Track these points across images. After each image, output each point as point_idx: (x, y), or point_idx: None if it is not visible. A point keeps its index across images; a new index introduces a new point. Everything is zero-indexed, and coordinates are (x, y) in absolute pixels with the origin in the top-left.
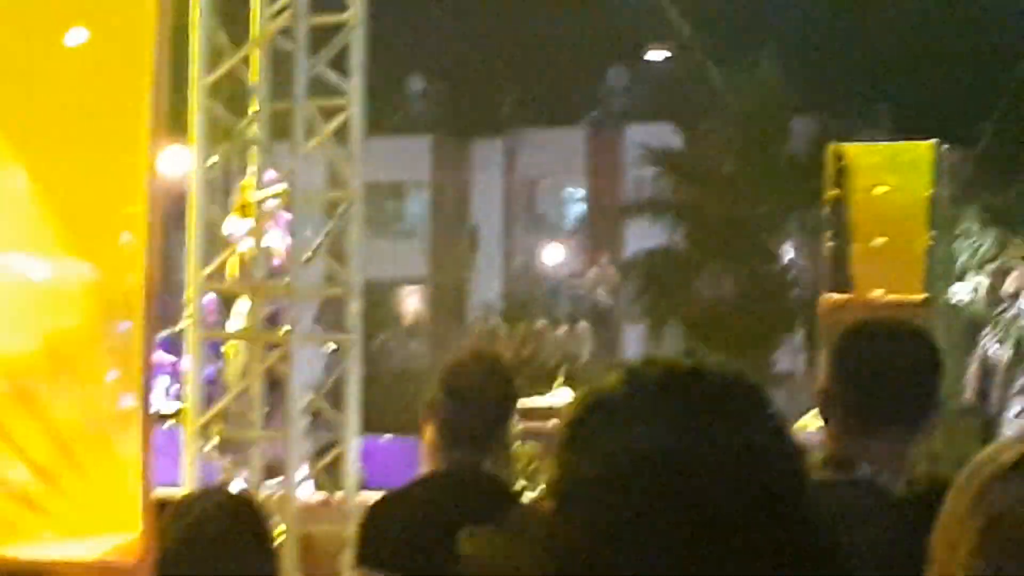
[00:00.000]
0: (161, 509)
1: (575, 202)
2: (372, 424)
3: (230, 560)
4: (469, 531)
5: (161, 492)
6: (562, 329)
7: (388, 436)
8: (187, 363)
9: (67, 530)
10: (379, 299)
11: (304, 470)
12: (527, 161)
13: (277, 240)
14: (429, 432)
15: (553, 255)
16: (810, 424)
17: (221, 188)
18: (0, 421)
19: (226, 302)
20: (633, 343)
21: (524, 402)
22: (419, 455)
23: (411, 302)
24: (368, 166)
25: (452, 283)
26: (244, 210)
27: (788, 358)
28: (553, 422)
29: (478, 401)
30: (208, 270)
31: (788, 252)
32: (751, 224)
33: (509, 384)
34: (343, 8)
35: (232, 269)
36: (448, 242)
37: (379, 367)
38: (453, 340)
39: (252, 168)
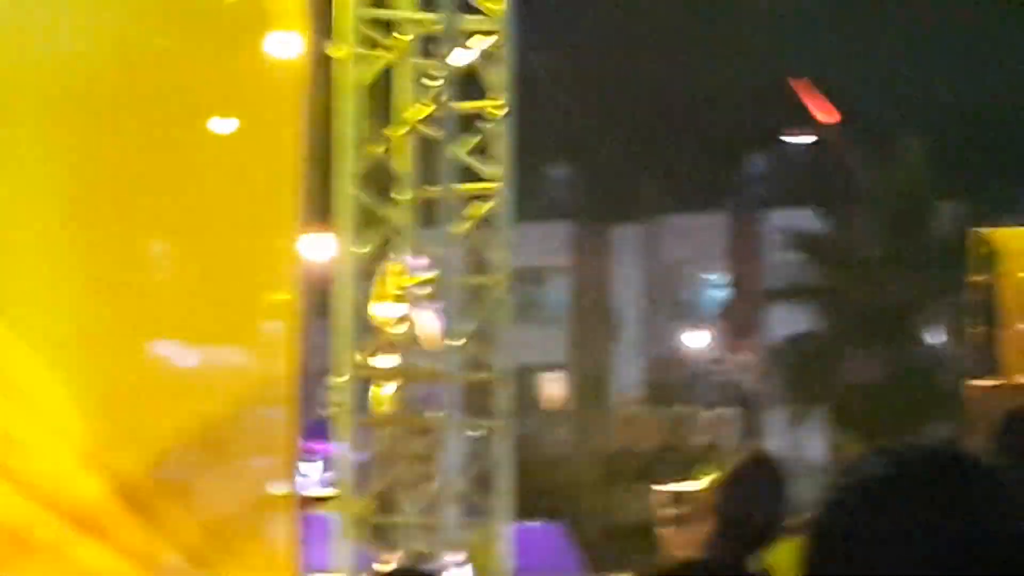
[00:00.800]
0: None
1: (716, 287)
2: (519, 510)
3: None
4: None
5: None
6: (706, 414)
7: (535, 522)
8: (336, 448)
9: None
10: (521, 384)
11: (459, 555)
12: (668, 246)
13: (428, 325)
14: (700, 524)
15: (695, 340)
16: None
17: (364, 274)
18: (154, 508)
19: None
20: (777, 428)
21: (671, 488)
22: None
23: (553, 387)
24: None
25: (593, 368)
26: (391, 295)
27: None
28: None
29: (759, 501)
30: (362, 355)
31: (933, 336)
32: (895, 308)
33: (786, 487)
34: (486, 96)
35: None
36: (589, 327)
37: (522, 452)
38: (595, 425)
39: (396, 254)
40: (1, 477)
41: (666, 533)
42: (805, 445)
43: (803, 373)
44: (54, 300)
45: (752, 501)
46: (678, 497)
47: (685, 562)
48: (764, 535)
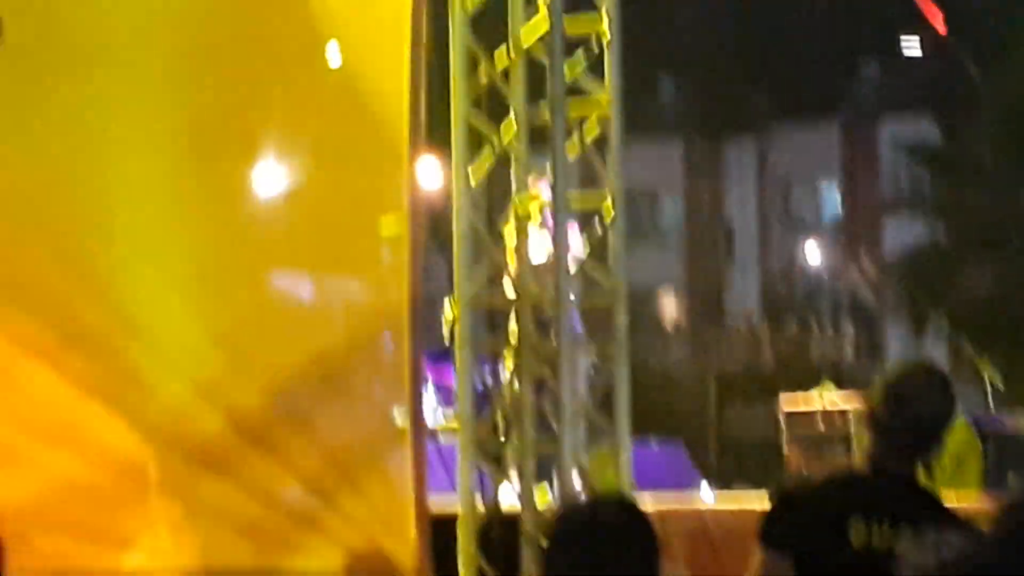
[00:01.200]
0: (435, 521)
1: (831, 199)
2: (636, 429)
3: (620, 559)
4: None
5: (435, 505)
6: (824, 330)
7: (653, 441)
8: (455, 376)
9: (344, 543)
10: (637, 305)
11: (579, 477)
12: (780, 160)
13: (541, 251)
14: (864, 440)
15: (810, 254)
16: None
17: (482, 200)
18: (273, 440)
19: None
20: (896, 341)
21: (790, 406)
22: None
23: (669, 307)
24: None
25: (709, 286)
26: (527, 219)
27: None
28: (819, 428)
29: (921, 412)
30: (478, 284)
31: None
32: (1013, 217)
33: (951, 397)
34: (593, 13)
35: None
36: (703, 246)
37: (640, 372)
38: (713, 343)
39: (516, 179)
40: (121, 414)
41: (790, 450)
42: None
43: (922, 285)
44: (174, 234)
45: (918, 409)
46: (801, 418)
47: (853, 471)
48: (929, 445)
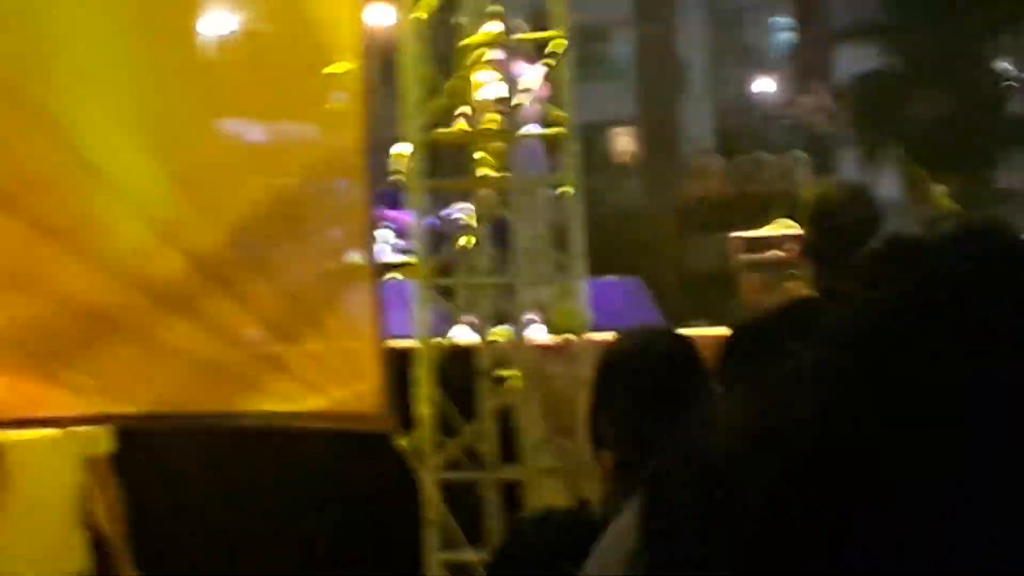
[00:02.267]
0: (393, 359)
1: (782, 31)
2: (593, 266)
3: (671, 380)
4: None
5: (393, 343)
6: (778, 159)
7: (611, 277)
8: (408, 215)
9: (306, 384)
10: (591, 142)
11: (534, 315)
12: None
13: (493, 88)
14: (806, 268)
15: (763, 86)
16: None
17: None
18: (233, 281)
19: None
20: (849, 169)
21: (743, 234)
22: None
23: (623, 143)
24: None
25: (662, 121)
26: (478, 62)
27: (1009, 175)
28: (772, 253)
29: (843, 223)
30: (422, 120)
31: (1003, 67)
32: (963, 41)
33: (873, 205)
34: None
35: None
36: (656, 80)
37: (596, 209)
38: (668, 178)
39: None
40: (84, 258)
41: (745, 280)
42: (878, 184)
43: (873, 112)
44: (123, 78)
45: (839, 220)
46: (755, 243)
47: (803, 298)
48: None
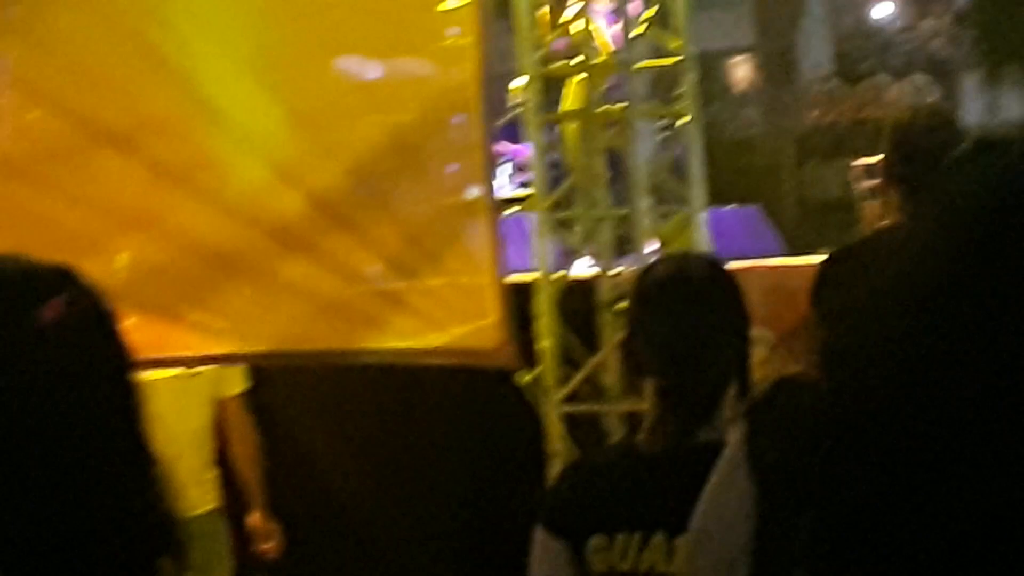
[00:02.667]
0: (514, 294)
1: None
2: (713, 195)
3: (706, 311)
4: None
5: (513, 278)
6: (899, 84)
7: (731, 206)
8: (527, 149)
9: (426, 320)
10: (709, 71)
11: (654, 245)
12: None
13: (602, 18)
14: (887, 195)
15: (882, 10)
16: None
17: None
18: (353, 219)
19: (556, 87)
20: (971, 92)
21: (864, 160)
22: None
23: (741, 72)
24: None
25: (781, 48)
26: None
27: None
28: None
29: (925, 149)
30: (539, 53)
31: None
32: None
33: (955, 131)
34: None
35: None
36: (774, 7)
37: (715, 139)
38: (787, 105)
39: None
40: (204, 199)
41: (867, 206)
42: (1001, 107)
43: (995, 34)
44: (244, 21)
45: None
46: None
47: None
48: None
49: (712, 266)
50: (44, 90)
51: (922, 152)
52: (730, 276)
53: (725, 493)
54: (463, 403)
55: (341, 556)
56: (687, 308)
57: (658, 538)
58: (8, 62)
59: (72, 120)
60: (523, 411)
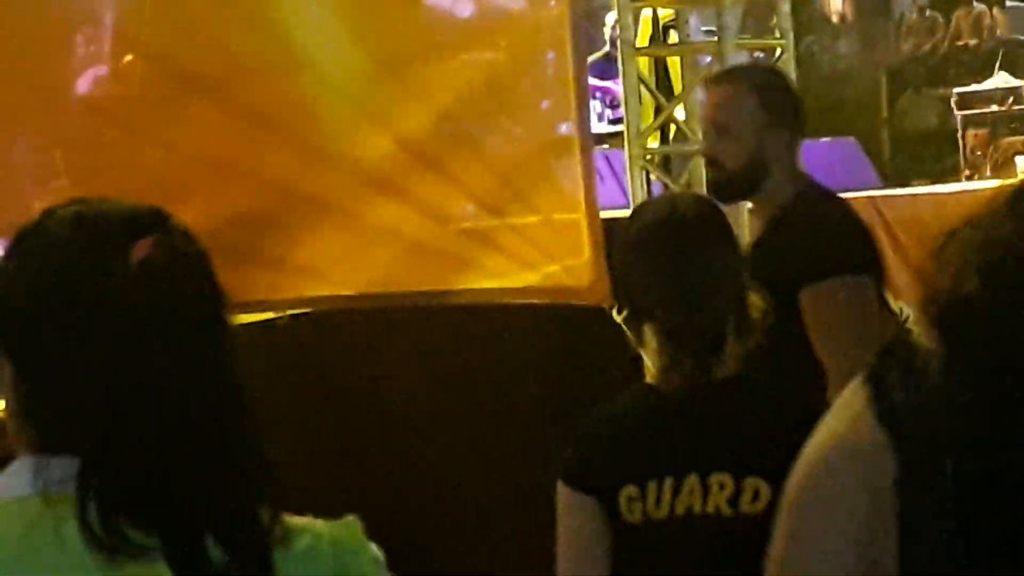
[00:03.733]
0: (607, 232)
1: None
2: (808, 128)
3: (702, 244)
4: None
5: (606, 215)
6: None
7: (826, 139)
8: (619, 84)
9: (518, 259)
10: (803, 2)
11: None
12: None
13: None
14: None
15: None
16: None
17: None
18: (443, 159)
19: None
20: None
21: (961, 89)
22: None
23: (835, 1)
24: None
25: None
26: None
27: None
28: (993, 108)
29: None
30: None
31: None
32: None
33: None
34: None
35: None
36: None
37: (809, 70)
38: (882, 35)
39: None
40: (293, 144)
41: (964, 136)
42: None
43: None
44: None
45: None
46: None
47: None
48: None
49: (703, 203)
50: (137, 36)
51: None
52: (722, 213)
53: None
54: (555, 343)
55: (427, 502)
56: (684, 246)
57: (691, 480)
58: (102, 9)
59: (164, 66)
60: (618, 349)
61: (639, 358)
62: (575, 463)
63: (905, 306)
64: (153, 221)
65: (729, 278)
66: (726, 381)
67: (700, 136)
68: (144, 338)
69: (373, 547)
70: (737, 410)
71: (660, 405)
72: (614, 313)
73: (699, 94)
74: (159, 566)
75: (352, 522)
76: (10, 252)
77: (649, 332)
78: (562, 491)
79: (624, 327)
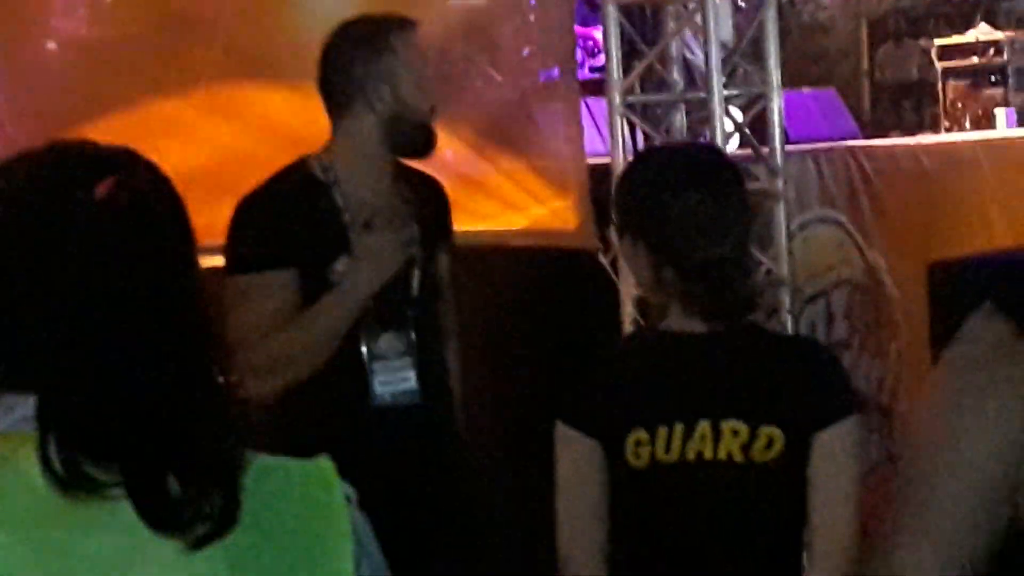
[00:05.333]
0: (592, 176)
1: None
2: (787, 78)
3: (719, 181)
4: None
5: (591, 161)
6: None
7: (806, 89)
8: (598, 32)
9: (506, 203)
10: None
11: (728, 126)
12: None
13: None
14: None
15: None
16: None
17: None
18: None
19: None
20: None
21: (942, 41)
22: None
23: None
24: None
25: None
26: None
27: None
28: (974, 59)
29: None
30: None
31: None
32: None
33: None
34: None
35: None
36: None
37: (789, 20)
38: None
39: None
40: (280, 84)
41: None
42: None
43: None
44: None
45: None
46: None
47: None
48: None
49: (710, 149)
50: None
51: None
52: (729, 158)
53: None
54: (542, 285)
55: None
56: (703, 180)
57: (703, 426)
58: None
59: (149, 4)
60: (604, 292)
61: (619, 302)
62: (579, 404)
63: (879, 256)
64: (122, 161)
65: (742, 218)
66: (741, 327)
67: (681, 85)
68: (105, 275)
69: (345, 485)
70: (753, 356)
71: (673, 348)
72: (600, 256)
73: (681, 41)
74: (123, 505)
75: (323, 461)
76: None
77: (662, 273)
78: (562, 431)
79: (610, 270)
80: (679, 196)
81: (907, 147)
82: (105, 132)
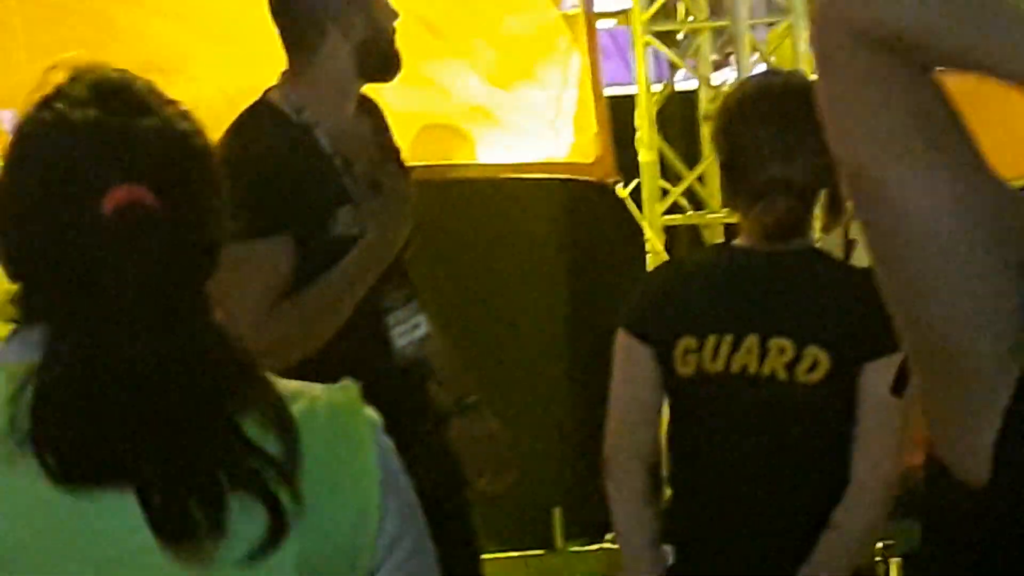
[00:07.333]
0: (613, 107)
1: None
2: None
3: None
4: None
5: (612, 91)
6: None
7: None
8: None
9: (525, 134)
10: None
11: (754, 57)
12: None
13: None
14: None
15: None
16: None
17: None
18: (449, 36)
19: None
20: None
21: None
22: None
23: None
24: None
25: None
26: None
27: None
28: None
29: None
30: None
31: None
32: None
33: None
34: None
35: None
36: None
37: None
38: None
39: None
40: None
41: None
42: None
43: None
44: None
45: None
46: None
47: None
48: None
49: (801, 80)
50: None
51: None
52: (805, 85)
53: None
54: (562, 216)
55: None
56: (779, 116)
57: (751, 340)
58: None
59: None
60: (624, 223)
61: (640, 232)
62: (637, 311)
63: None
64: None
65: (810, 144)
66: (803, 250)
67: (707, 13)
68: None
69: (370, 410)
70: (809, 279)
71: (733, 263)
72: (618, 188)
73: None
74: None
75: (349, 385)
76: (12, 145)
77: (732, 192)
78: (621, 338)
79: (630, 202)
80: (748, 121)
81: None
82: (129, 63)
